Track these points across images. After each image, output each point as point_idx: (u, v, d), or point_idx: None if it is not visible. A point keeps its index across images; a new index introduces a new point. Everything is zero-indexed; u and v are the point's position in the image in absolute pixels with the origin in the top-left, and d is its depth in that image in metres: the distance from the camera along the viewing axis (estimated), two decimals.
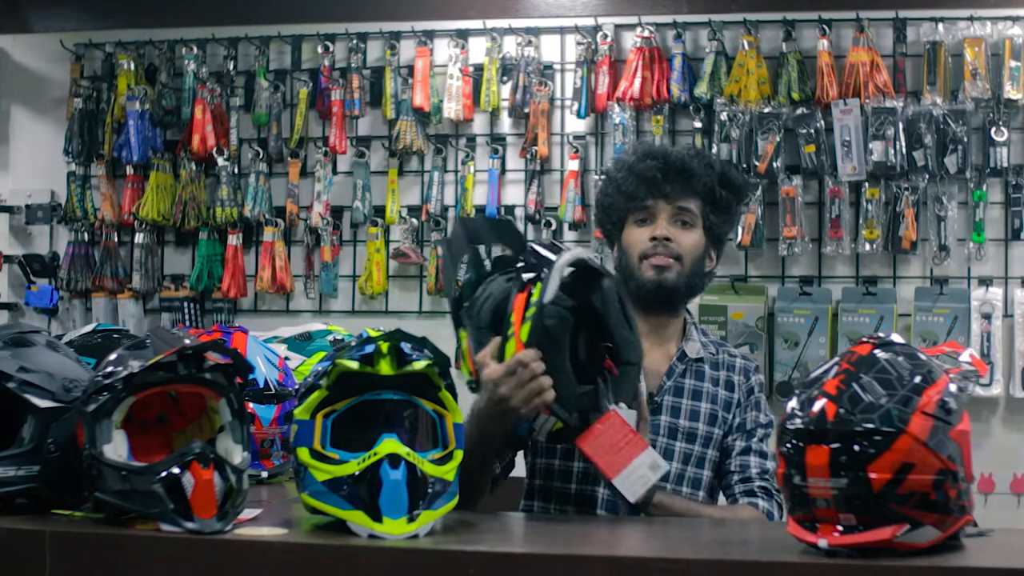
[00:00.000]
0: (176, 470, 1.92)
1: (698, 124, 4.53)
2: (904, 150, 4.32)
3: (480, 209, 4.70)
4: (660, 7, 4.49)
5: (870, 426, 1.73)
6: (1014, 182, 4.36)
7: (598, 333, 2.36)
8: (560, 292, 2.25)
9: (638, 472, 2.28)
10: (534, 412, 2.26)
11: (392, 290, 4.84)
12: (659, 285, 2.65)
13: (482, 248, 2.39)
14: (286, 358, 3.09)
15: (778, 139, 4.43)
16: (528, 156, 4.68)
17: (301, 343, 3.46)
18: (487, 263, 2.37)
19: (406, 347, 1.99)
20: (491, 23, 4.69)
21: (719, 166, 2.78)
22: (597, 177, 4.57)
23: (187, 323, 4.91)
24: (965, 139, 4.29)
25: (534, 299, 2.22)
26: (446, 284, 2.34)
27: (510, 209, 4.74)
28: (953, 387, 1.81)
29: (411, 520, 1.90)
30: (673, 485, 2.64)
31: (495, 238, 2.44)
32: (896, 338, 1.89)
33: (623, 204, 2.72)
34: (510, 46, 4.73)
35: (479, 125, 4.80)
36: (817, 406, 1.78)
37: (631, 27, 4.61)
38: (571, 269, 2.29)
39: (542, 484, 2.65)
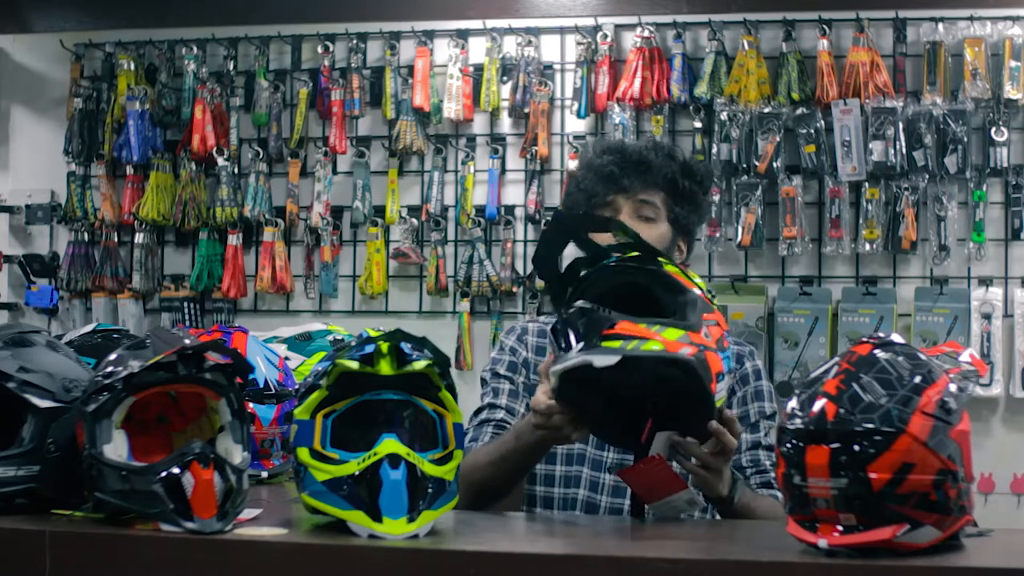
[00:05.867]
0: (176, 470, 1.92)
1: (698, 124, 4.53)
2: (904, 150, 4.32)
3: (480, 209, 4.70)
4: (660, 7, 4.49)
5: (870, 426, 1.73)
6: (1014, 182, 4.36)
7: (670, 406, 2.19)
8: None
9: (673, 504, 2.27)
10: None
11: (392, 290, 4.84)
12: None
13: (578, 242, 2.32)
14: (286, 358, 3.08)
15: (778, 139, 4.43)
16: (528, 156, 4.68)
17: (301, 343, 3.46)
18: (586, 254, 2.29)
19: (406, 347, 1.98)
20: (491, 23, 4.69)
21: (680, 156, 2.73)
22: None
23: (187, 323, 4.91)
24: (965, 139, 4.29)
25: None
26: (539, 269, 2.32)
27: (510, 209, 4.74)
28: (953, 387, 1.80)
29: (411, 520, 1.90)
30: None
31: (588, 231, 2.36)
32: (896, 338, 1.88)
33: (584, 201, 2.67)
34: (510, 46, 4.73)
35: (479, 125, 4.80)
36: (817, 406, 1.77)
37: (631, 27, 4.61)
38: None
39: (544, 492, 2.64)
